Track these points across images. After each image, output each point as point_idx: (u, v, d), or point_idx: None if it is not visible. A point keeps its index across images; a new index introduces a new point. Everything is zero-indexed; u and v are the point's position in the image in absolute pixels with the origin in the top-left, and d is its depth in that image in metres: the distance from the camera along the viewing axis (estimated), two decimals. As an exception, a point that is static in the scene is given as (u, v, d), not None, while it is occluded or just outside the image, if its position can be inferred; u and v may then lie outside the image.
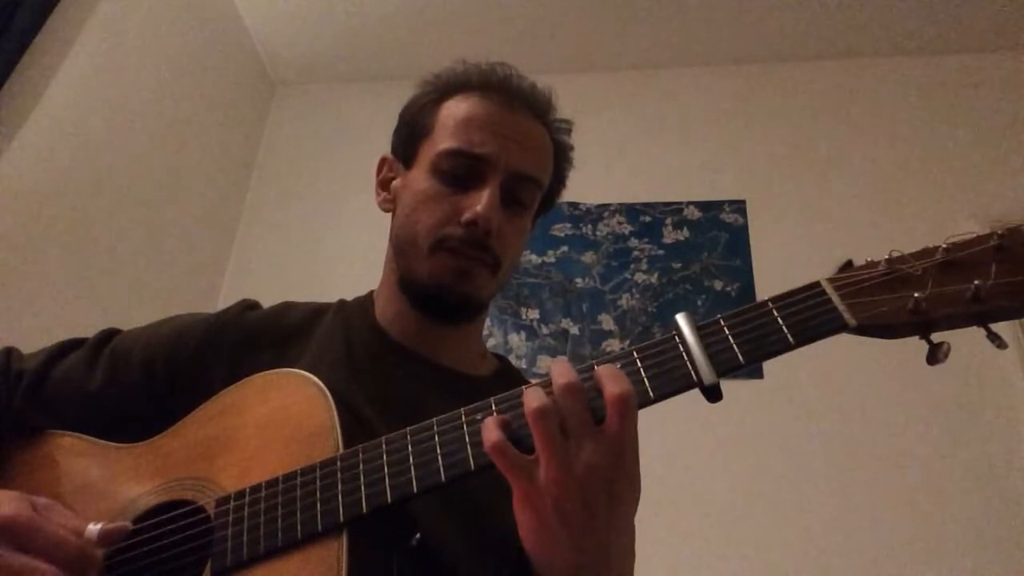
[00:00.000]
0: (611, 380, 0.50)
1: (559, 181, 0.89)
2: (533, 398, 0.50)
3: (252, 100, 2.87)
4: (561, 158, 0.87)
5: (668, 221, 2.46)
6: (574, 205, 2.50)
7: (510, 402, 0.55)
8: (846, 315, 0.51)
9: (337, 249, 2.53)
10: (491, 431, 0.51)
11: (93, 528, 0.58)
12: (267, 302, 0.89)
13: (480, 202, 0.75)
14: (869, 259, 0.53)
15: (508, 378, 0.88)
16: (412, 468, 0.55)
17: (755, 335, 0.52)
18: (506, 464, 0.51)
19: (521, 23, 2.62)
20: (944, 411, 2.00)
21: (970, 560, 1.81)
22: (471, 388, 0.77)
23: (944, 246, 0.51)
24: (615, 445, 0.49)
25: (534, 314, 2.34)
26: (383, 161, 0.89)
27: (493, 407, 0.55)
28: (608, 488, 0.50)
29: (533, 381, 0.56)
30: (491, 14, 2.60)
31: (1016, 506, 1.86)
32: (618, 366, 0.53)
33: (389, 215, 0.87)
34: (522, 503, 0.52)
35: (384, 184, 0.88)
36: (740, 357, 0.52)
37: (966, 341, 0.56)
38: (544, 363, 2.25)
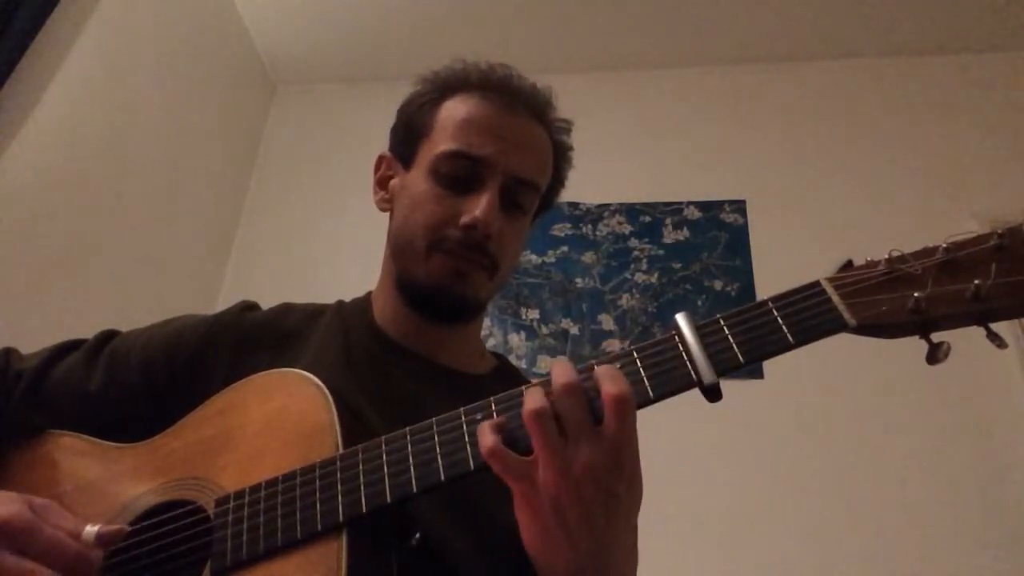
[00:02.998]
0: (609, 380, 0.50)
1: (558, 181, 0.88)
2: (531, 399, 0.50)
3: (252, 100, 2.87)
4: (560, 158, 0.87)
5: (668, 221, 2.46)
6: (574, 205, 2.50)
7: (510, 402, 0.55)
8: (846, 315, 0.51)
9: (337, 249, 2.53)
10: (486, 435, 0.51)
11: (91, 530, 0.58)
12: (267, 302, 0.89)
13: (479, 206, 0.74)
14: (869, 259, 0.53)
15: (507, 376, 0.88)
16: (412, 468, 0.55)
17: (755, 335, 0.52)
18: (503, 468, 0.51)
19: (521, 23, 2.62)
20: (944, 411, 2.00)
21: (970, 560, 1.81)
22: (470, 387, 0.77)
23: (944, 245, 0.51)
24: (613, 445, 0.49)
25: (534, 314, 2.34)
26: (381, 159, 0.89)
27: (493, 407, 0.55)
28: (606, 488, 0.50)
29: (534, 380, 0.56)
30: (491, 14, 2.60)
31: (1016, 506, 1.86)
32: (617, 366, 0.53)
33: (388, 215, 0.87)
34: (521, 505, 0.52)
35: (382, 183, 0.87)
36: (740, 357, 0.52)
37: (966, 341, 0.56)
38: (544, 363, 2.25)
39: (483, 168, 0.77)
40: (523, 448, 0.52)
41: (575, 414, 0.50)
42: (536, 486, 0.50)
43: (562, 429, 0.50)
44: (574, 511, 0.49)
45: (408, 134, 0.84)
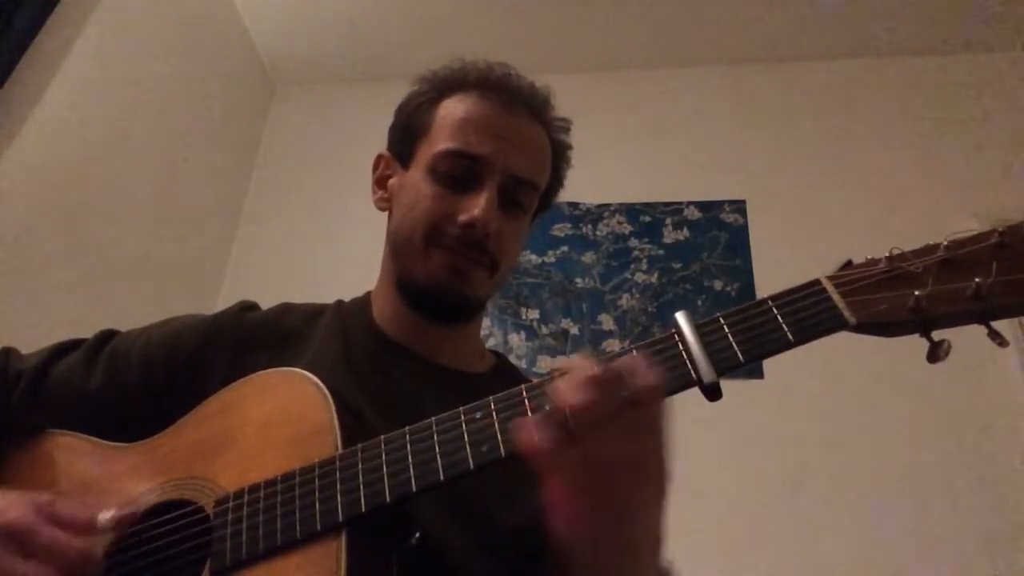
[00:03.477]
0: (638, 372, 0.50)
1: (557, 180, 0.88)
2: (574, 392, 0.48)
3: (252, 100, 2.87)
4: (559, 157, 0.87)
5: (668, 221, 2.46)
6: (574, 205, 2.50)
7: (509, 401, 0.55)
8: (846, 313, 0.51)
9: (337, 249, 2.52)
10: (529, 431, 0.50)
11: (105, 515, 0.58)
12: (267, 302, 0.89)
13: (478, 205, 0.74)
14: (869, 257, 0.53)
15: (505, 374, 0.88)
16: (411, 468, 0.55)
17: (755, 333, 0.52)
18: (546, 461, 0.50)
19: (521, 23, 2.62)
20: (944, 409, 2.00)
21: (970, 560, 1.80)
22: (469, 385, 0.77)
23: (945, 244, 0.51)
24: (656, 433, 0.50)
25: (534, 314, 2.34)
26: (379, 159, 0.88)
27: (492, 406, 0.55)
28: (643, 472, 0.50)
29: (535, 380, 0.55)
30: (491, 14, 2.60)
31: (1016, 506, 1.86)
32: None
33: (387, 215, 0.86)
34: (561, 494, 0.51)
35: (380, 182, 0.87)
36: (740, 355, 0.51)
37: (966, 339, 0.56)
38: (544, 363, 2.25)
39: (482, 167, 0.77)
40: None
41: (611, 404, 0.49)
42: (580, 475, 0.49)
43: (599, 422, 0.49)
44: (622, 496, 0.50)
45: (406, 133, 0.84)
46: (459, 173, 0.77)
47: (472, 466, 0.54)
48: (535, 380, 0.56)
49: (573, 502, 0.51)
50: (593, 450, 0.48)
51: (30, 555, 0.56)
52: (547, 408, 0.52)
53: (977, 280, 0.48)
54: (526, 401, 0.54)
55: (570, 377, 0.50)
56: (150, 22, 2.22)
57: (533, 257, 2.43)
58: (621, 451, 0.49)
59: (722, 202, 2.45)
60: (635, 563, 0.53)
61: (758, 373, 2.07)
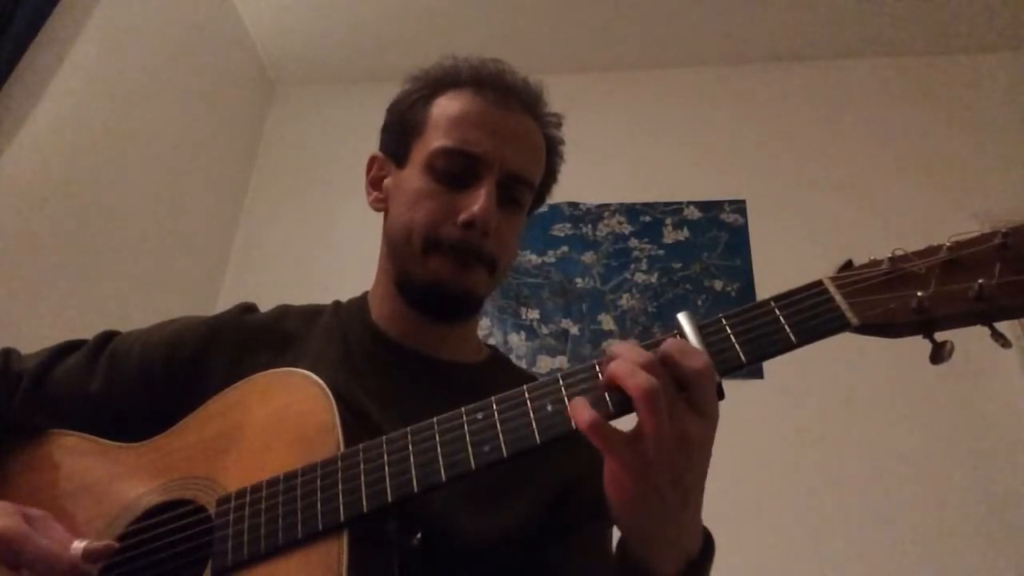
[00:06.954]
0: (688, 356, 0.50)
1: (551, 176, 0.88)
2: (641, 379, 0.48)
3: (252, 100, 2.87)
4: (553, 153, 0.86)
5: (668, 221, 2.46)
6: (574, 205, 2.50)
7: (511, 401, 0.55)
8: (848, 314, 0.51)
9: (337, 249, 2.53)
10: (584, 410, 0.49)
11: (78, 545, 0.57)
12: (267, 302, 0.89)
13: (477, 202, 0.74)
14: (872, 258, 0.53)
15: (501, 364, 0.89)
16: (413, 468, 0.55)
17: (757, 334, 0.52)
18: (604, 441, 0.50)
19: (521, 23, 2.62)
20: (945, 410, 2.00)
21: (970, 560, 1.81)
22: (468, 377, 0.78)
23: (947, 245, 0.51)
24: (709, 416, 0.50)
25: (534, 314, 2.34)
26: (373, 160, 0.88)
27: (494, 406, 0.55)
28: (699, 452, 0.50)
29: (613, 345, 0.54)
30: (491, 14, 2.60)
31: (1016, 506, 1.86)
32: None
33: (383, 215, 0.86)
34: (622, 476, 0.51)
35: (375, 183, 0.87)
36: (742, 356, 0.51)
37: (967, 340, 0.56)
38: (544, 363, 2.25)
39: (479, 165, 0.76)
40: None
41: (669, 388, 0.49)
42: (644, 458, 0.49)
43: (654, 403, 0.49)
44: (668, 475, 0.50)
45: (400, 132, 0.83)
46: (456, 171, 0.76)
47: (474, 466, 0.54)
48: (541, 378, 0.56)
49: (640, 484, 0.50)
50: (649, 430, 0.48)
51: (20, 565, 0.56)
52: (599, 387, 0.52)
53: (980, 281, 0.48)
54: (528, 401, 0.54)
55: (624, 359, 0.50)
56: (150, 22, 2.22)
57: (533, 257, 2.43)
58: (687, 436, 0.49)
59: (722, 202, 2.46)
60: (682, 534, 0.54)
61: (758, 373, 2.07)
